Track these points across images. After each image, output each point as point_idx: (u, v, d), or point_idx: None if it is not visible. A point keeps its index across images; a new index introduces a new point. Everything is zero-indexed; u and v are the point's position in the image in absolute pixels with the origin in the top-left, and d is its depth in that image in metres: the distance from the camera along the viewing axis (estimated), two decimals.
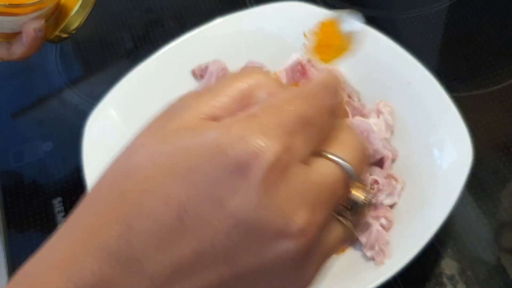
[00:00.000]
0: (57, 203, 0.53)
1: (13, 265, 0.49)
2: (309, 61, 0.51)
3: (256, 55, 0.54)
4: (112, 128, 0.50)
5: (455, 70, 0.58)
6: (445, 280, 0.45)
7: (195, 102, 0.20)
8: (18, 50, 0.43)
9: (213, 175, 0.17)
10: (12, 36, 0.42)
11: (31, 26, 0.41)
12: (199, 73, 0.55)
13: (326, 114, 0.20)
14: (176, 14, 0.69)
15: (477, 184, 0.50)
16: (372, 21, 0.64)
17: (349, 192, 0.20)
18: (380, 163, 0.47)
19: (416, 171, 0.46)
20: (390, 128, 0.49)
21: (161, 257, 0.18)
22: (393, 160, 0.48)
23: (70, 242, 0.19)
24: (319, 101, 0.20)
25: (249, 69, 0.22)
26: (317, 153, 0.19)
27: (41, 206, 0.53)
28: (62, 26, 0.45)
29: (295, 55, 0.51)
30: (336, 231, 0.20)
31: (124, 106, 0.51)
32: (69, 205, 0.53)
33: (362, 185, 0.20)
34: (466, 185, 0.42)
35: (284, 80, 0.51)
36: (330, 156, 0.19)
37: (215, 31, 0.54)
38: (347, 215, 0.20)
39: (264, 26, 0.55)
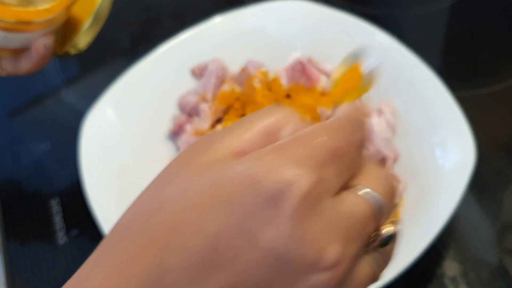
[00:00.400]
0: (54, 204, 0.53)
1: (11, 265, 0.49)
2: (309, 60, 0.51)
3: (256, 54, 0.54)
4: (110, 128, 0.50)
5: (457, 70, 0.58)
6: (447, 281, 0.45)
7: (222, 139, 0.20)
8: (25, 65, 0.42)
9: (246, 206, 0.18)
10: (20, 52, 0.42)
11: (41, 43, 0.41)
12: (198, 72, 0.54)
13: (356, 148, 0.20)
14: (174, 12, 0.69)
15: (480, 184, 0.50)
16: (374, 19, 0.63)
17: (380, 226, 0.20)
18: (381, 163, 0.47)
19: (418, 172, 0.46)
20: (392, 128, 0.49)
21: None
22: (395, 160, 0.48)
23: (106, 273, 0.19)
24: (348, 134, 0.20)
25: (272, 107, 0.21)
26: (348, 186, 0.20)
27: (38, 207, 0.53)
28: (72, 42, 0.45)
29: (295, 54, 0.51)
30: (367, 266, 0.20)
31: (122, 105, 0.51)
32: (66, 206, 0.53)
33: (392, 218, 0.20)
34: (469, 186, 0.42)
35: (284, 79, 0.51)
36: (361, 189, 0.20)
37: (214, 29, 0.54)
38: (378, 250, 0.20)
39: (264, 24, 0.55)
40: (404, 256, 0.40)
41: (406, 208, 0.45)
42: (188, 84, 0.54)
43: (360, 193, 0.19)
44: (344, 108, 0.22)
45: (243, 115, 0.51)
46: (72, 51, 0.45)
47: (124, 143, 0.49)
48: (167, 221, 0.18)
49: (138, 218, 0.19)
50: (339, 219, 0.18)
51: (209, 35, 0.54)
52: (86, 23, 0.43)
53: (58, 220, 0.52)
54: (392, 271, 0.39)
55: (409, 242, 0.41)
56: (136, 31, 0.67)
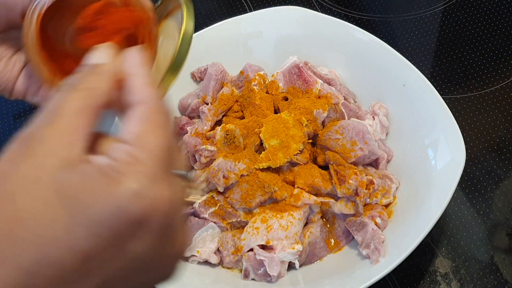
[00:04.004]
0: None
1: None
2: (306, 64, 0.52)
3: (254, 58, 0.55)
4: (112, 130, 0.50)
5: (449, 73, 0.59)
6: (439, 278, 0.46)
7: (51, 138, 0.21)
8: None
9: (116, 226, 0.20)
10: None
11: None
12: (198, 76, 0.55)
13: (173, 135, 0.23)
14: None
15: (471, 184, 0.50)
16: (367, 24, 0.64)
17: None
18: (375, 163, 0.48)
19: (411, 171, 0.46)
20: (385, 129, 0.49)
21: None
22: (388, 161, 0.48)
23: None
24: (169, 126, 0.23)
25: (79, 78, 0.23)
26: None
27: None
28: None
29: (292, 58, 0.51)
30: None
31: None
32: None
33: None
34: (460, 185, 0.42)
35: (281, 82, 0.51)
36: (180, 174, 0.23)
37: (214, 34, 0.55)
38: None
39: (262, 29, 0.55)
40: (397, 253, 0.41)
41: (399, 207, 0.45)
42: (188, 87, 0.55)
43: (176, 172, 0.23)
44: (139, 95, 0.23)
45: (242, 117, 0.51)
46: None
47: None
48: (33, 236, 0.19)
49: None
50: (180, 213, 0.23)
51: (209, 39, 0.54)
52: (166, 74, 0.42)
53: None
54: (385, 268, 0.40)
55: (402, 240, 0.42)
56: None
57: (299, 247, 0.43)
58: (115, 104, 0.24)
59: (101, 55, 0.25)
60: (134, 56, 0.24)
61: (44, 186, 0.20)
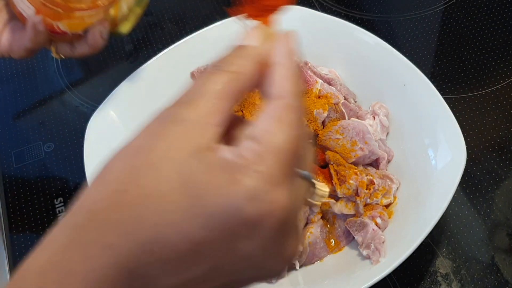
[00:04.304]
0: (58, 203, 0.54)
1: (15, 265, 0.50)
2: (306, 64, 0.52)
3: None
4: (113, 130, 0.50)
5: (449, 72, 0.59)
6: (439, 278, 0.45)
7: (193, 117, 0.21)
8: (81, 50, 0.44)
9: (230, 224, 0.20)
10: (77, 38, 0.44)
11: (97, 30, 0.43)
12: (197, 75, 0.55)
13: (305, 135, 0.23)
14: (175, 17, 0.69)
15: (472, 184, 0.50)
16: (368, 24, 0.64)
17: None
18: (375, 163, 0.48)
19: (411, 172, 0.46)
20: (385, 129, 0.49)
21: (173, 279, 0.20)
22: (389, 161, 0.48)
23: (89, 256, 0.20)
24: (299, 126, 0.22)
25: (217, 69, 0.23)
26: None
27: (42, 206, 0.54)
28: (119, 24, 0.46)
29: None
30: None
31: (124, 108, 0.51)
32: (70, 205, 0.53)
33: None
34: (461, 185, 0.42)
35: None
36: (305, 176, 0.23)
37: (214, 34, 0.55)
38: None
39: None
40: (397, 253, 0.40)
41: (399, 207, 0.45)
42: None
43: (303, 178, 0.23)
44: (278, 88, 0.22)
45: (242, 117, 0.51)
46: (123, 29, 0.47)
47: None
48: (154, 216, 0.20)
49: (122, 199, 0.20)
50: (297, 218, 0.22)
51: (209, 39, 0.54)
52: (131, 6, 0.45)
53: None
54: (385, 268, 0.40)
55: (402, 240, 0.42)
56: (138, 36, 0.68)
57: (299, 247, 0.43)
58: (255, 89, 0.23)
59: (252, 37, 0.24)
60: (285, 44, 0.23)
61: (171, 168, 0.20)
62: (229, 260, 0.21)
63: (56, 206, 0.53)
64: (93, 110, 0.51)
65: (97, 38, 0.43)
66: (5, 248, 0.51)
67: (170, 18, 0.69)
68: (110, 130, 0.50)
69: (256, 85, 0.23)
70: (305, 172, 0.23)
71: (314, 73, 0.51)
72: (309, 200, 0.24)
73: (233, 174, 0.20)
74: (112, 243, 0.20)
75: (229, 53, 0.23)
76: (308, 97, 0.49)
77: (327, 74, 0.52)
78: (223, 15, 0.56)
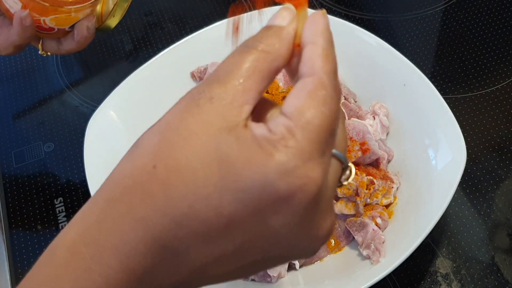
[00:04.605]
0: (58, 203, 0.54)
1: (15, 264, 0.50)
2: None
3: None
4: (113, 129, 0.50)
5: (449, 72, 0.59)
6: (440, 278, 0.45)
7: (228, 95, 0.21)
8: (67, 46, 0.44)
9: (261, 199, 0.20)
10: (64, 33, 0.43)
11: (84, 25, 0.43)
12: (198, 75, 0.55)
13: (339, 115, 0.22)
14: (175, 17, 0.69)
15: (472, 184, 0.50)
16: (368, 24, 0.64)
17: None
18: (376, 163, 0.48)
19: (411, 172, 0.46)
20: (385, 129, 0.49)
21: (205, 253, 0.21)
22: (389, 161, 0.48)
23: (121, 230, 0.20)
24: (334, 101, 0.21)
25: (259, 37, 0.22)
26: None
27: (42, 206, 0.54)
28: (106, 19, 0.46)
29: None
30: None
31: (124, 108, 0.51)
32: (70, 205, 0.53)
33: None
34: (461, 185, 0.42)
35: (281, 82, 0.51)
36: (338, 156, 0.22)
37: (214, 34, 0.54)
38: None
39: None
40: (397, 253, 0.40)
41: (400, 207, 0.45)
42: (188, 87, 0.54)
43: (337, 158, 0.22)
44: (313, 62, 0.22)
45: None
46: (110, 24, 0.47)
47: (126, 145, 0.49)
48: (186, 190, 0.20)
49: (155, 175, 0.20)
50: (330, 202, 0.22)
51: (208, 39, 0.54)
52: (116, 2, 0.45)
53: (61, 219, 0.52)
54: (386, 268, 0.40)
55: (402, 240, 0.42)
56: (138, 35, 0.68)
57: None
58: (288, 69, 0.23)
59: (284, 16, 0.23)
60: (317, 22, 0.23)
61: (203, 143, 0.20)
62: (261, 235, 0.20)
63: (56, 206, 0.53)
64: (93, 110, 0.51)
65: (84, 33, 0.43)
66: (5, 248, 0.51)
67: (170, 18, 0.69)
68: (110, 130, 0.50)
69: (288, 65, 0.23)
70: (340, 153, 0.22)
71: None
72: (341, 180, 0.23)
73: (264, 149, 0.20)
74: (144, 216, 0.20)
75: (259, 32, 0.23)
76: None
77: None
78: (223, 15, 0.56)
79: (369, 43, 0.51)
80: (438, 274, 0.46)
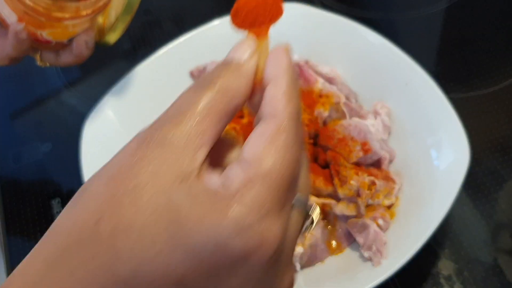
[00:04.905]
0: (55, 204, 0.53)
1: (12, 266, 0.50)
2: (306, 62, 0.51)
3: None
4: (110, 129, 0.50)
5: (452, 72, 0.59)
6: (442, 280, 0.45)
7: (181, 138, 0.19)
8: (66, 59, 0.43)
9: (214, 259, 0.18)
10: (62, 46, 0.43)
11: (82, 39, 0.42)
12: (197, 74, 0.55)
13: (301, 160, 0.21)
14: (174, 15, 0.69)
15: (474, 185, 0.50)
16: (370, 22, 0.64)
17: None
18: (377, 164, 0.47)
19: (413, 172, 0.46)
20: (387, 129, 0.49)
21: None
22: (391, 161, 0.48)
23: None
24: (295, 150, 0.20)
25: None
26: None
27: (39, 207, 0.53)
28: (106, 33, 0.45)
29: (293, 56, 0.51)
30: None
31: (122, 107, 0.51)
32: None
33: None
34: (463, 186, 0.42)
35: None
36: (299, 206, 0.21)
37: (213, 32, 0.54)
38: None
39: None
40: (399, 255, 0.40)
41: (401, 208, 0.45)
42: (187, 86, 0.54)
43: (295, 203, 0.21)
44: (276, 111, 0.20)
45: (241, 116, 0.51)
46: (110, 39, 0.46)
47: (124, 144, 0.50)
48: (133, 248, 0.18)
49: (101, 232, 0.19)
50: (292, 250, 0.21)
51: (207, 37, 0.54)
52: (119, 15, 0.44)
53: None
54: (387, 270, 0.40)
55: (404, 241, 0.42)
56: (136, 34, 0.67)
57: (299, 249, 0.42)
58: (250, 106, 0.22)
59: (244, 50, 0.22)
60: (280, 58, 0.21)
61: (152, 197, 0.18)
62: None
63: (54, 206, 0.53)
64: (90, 109, 0.51)
65: (82, 47, 0.42)
66: (2, 249, 0.51)
67: (168, 16, 0.69)
68: (107, 129, 0.50)
69: (247, 102, 0.21)
70: (302, 200, 0.21)
71: (315, 72, 0.51)
72: (306, 228, 0.22)
73: (218, 204, 0.18)
74: (86, 278, 0.18)
75: (217, 67, 0.21)
76: (309, 97, 0.49)
77: (328, 73, 0.51)
78: (222, 14, 0.56)
79: (371, 42, 0.51)
80: (441, 275, 0.45)
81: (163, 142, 0.19)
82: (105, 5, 0.41)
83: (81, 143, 0.48)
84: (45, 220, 0.52)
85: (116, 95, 0.51)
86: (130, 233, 0.18)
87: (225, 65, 0.21)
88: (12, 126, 0.61)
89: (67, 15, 0.39)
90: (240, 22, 0.23)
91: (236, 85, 0.21)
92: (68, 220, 0.19)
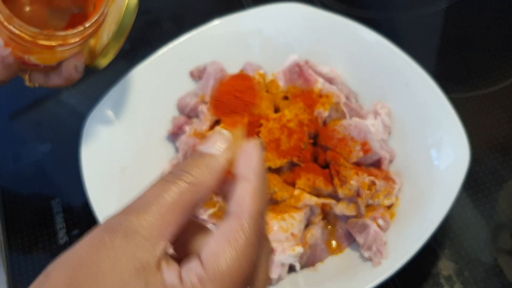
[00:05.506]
0: (55, 204, 0.53)
1: (13, 265, 0.49)
2: (306, 62, 0.51)
3: (254, 56, 0.54)
4: (110, 129, 0.50)
5: (452, 72, 0.59)
6: (442, 280, 0.45)
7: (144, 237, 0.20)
8: (55, 81, 0.43)
9: None
10: (51, 68, 0.42)
11: (72, 63, 0.41)
12: (197, 74, 0.55)
13: (258, 260, 0.22)
14: (173, 15, 0.69)
15: (475, 185, 0.50)
16: (370, 22, 0.64)
17: None
18: (377, 164, 0.47)
19: (413, 172, 0.46)
20: (387, 129, 0.49)
21: None
22: (391, 161, 0.48)
23: None
24: (254, 251, 0.21)
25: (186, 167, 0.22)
26: None
27: (39, 207, 0.53)
28: (97, 57, 0.45)
29: (293, 57, 0.51)
30: None
31: (122, 107, 0.51)
32: (67, 206, 0.53)
33: None
34: (464, 186, 0.42)
35: (282, 81, 0.51)
36: None
37: (212, 32, 0.54)
38: None
39: (262, 27, 0.55)
40: (399, 255, 0.40)
41: (402, 208, 0.45)
42: (187, 86, 0.54)
43: None
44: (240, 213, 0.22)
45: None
46: (101, 63, 0.46)
47: (124, 144, 0.50)
48: None
49: None
50: None
51: (207, 37, 0.54)
52: (111, 38, 0.44)
53: (59, 220, 0.52)
54: (387, 270, 0.40)
55: (404, 241, 0.42)
56: (136, 34, 0.67)
57: (299, 249, 0.42)
58: (220, 195, 0.23)
59: (217, 142, 0.23)
60: (251, 155, 0.22)
61: (110, 286, 0.19)
62: None
63: (53, 206, 0.53)
64: (90, 110, 0.50)
65: (72, 71, 0.42)
66: (2, 250, 0.51)
67: (168, 16, 0.69)
68: (107, 129, 0.50)
69: (217, 192, 0.22)
70: None
71: (315, 72, 0.51)
72: None
73: None
74: None
75: (189, 160, 0.22)
76: (309, 97, 0.49)
77: (328, 73, 0.51)
78: (222, 14, 0.56)
79: (371, 42, 0.51)
80: (441, 276, 0.45)
81: (126, 232, 0.20)
82: (95, 32, 0.40)
83: (81, 143, 0.48)
84: (45, 220, 0.52)
85: (116, 95, 0.51)
86: None
87: (198, 158, 0.22)
88: (11, 127, 0.60)
89: (54, 43, 0.38)
90: (218, 112, 0.24)
91: (202, 180, 0.22)
92: None
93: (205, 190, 0.22)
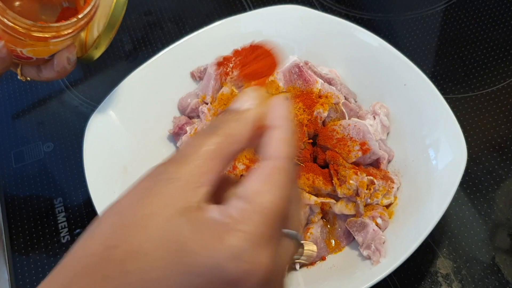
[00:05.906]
0: (57, 203, 0.53)
1: (15, 263, 0.50)
2: (306, 63, 0.52)
3: None
4: (112, 129, 0.50)
5: (450, 72, 0.59)
6: (440, 279, 0.45)
7: (186, 176, 0.22)
8: (47, 74, 0.44)
9: (210, 282, 0.20)
10: (44, 62, 0.43)
11: (64, 55, 0.42)
12: (197, 75, 0.55)
13: (293, 198, 0.23)
14: (175, 16, 0.69)
15: (472, 184, 0.50)
16: (368, 23, 0.64)
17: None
18: (376, 163, 0.48)
19: (411, 172, 0.46)
20: (386, 129, 0.49)
21: None
22: (389, 161, 0.48)
23: None
24: (288, 188, 0.22)
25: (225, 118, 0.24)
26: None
27: (41, 206, 0.53)
28: (90, 49, 0.45)
29: (292, 58, 0.51)
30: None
31: (124, 108, 0.51)
32: (69, 205, 0.53)
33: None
34: (461, 185, 0.42)
35: (281, 82, 0.51)
36: (290, 235, 0.23)
37: (213, 33, 0.54)
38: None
39: (262, 28, 0.55)
40: (397, 254, 0.40)
41: (400, 207, 0.45)
42: (188, 86, 0.55)
43: (286, 235, 0.23)
44: (273, 148, 0.23)
45: None
46: (93, 55, 0.46)
47: (126, 144, 0.50)
48: (140, 272, 0.20)
49: (108, 256, 0.21)
50: (282, 275, 0.23)
51: (208, 39, 0.54)
52: (101, 31, 0.44)
53: (61, 219, 0.52)
54: (386, 269, 0.40)
55: (403, 240, 0.42)
56: (138, 35, 0.67)
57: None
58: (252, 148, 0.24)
59: (247, 99, 0.24)
60: (280, 107, 0.24)
61: (158, 226, 0.21)
62: None
63: (56, 206, 0.53)
64: (92, 110, 0.51)
65: (64, 63, 0.42)
66: (4, 249, 0.51)
67: (169, 17, 0.69)
68: (109, 130, 0.50)
69: (250, 145, 0.24)
70: (293, 232, 0.23)
71: (315, 72, 0.51)
72: (297, 260, 0.24)
73: (218, 233, 0.21)
74: None
75: (224, 114, 0.24)
76: (308, 97, 0.49)
77: (327, 74, 0.52)
78: (223, 15, 0.56)
79: (370, 43, 0.51)
80: (439, 274, 0.46)
81: (171, 179, 0.22)
82: (87, 24, 0.40)
83: (84, 143, 0.48)
84: (47, 219, 0.52)
85: (118, 95, 0.51)
86: (138, 258, 0.20)
87: (231, 113, 0.24)
88: (14, 126, 0.61)
89: (47, 35, 0.38)
90: (243, 74, 0.27)
91: (238, 131, 0.23)
92: (80, 248, 0.22)
93: (241, 141, 0.23)
